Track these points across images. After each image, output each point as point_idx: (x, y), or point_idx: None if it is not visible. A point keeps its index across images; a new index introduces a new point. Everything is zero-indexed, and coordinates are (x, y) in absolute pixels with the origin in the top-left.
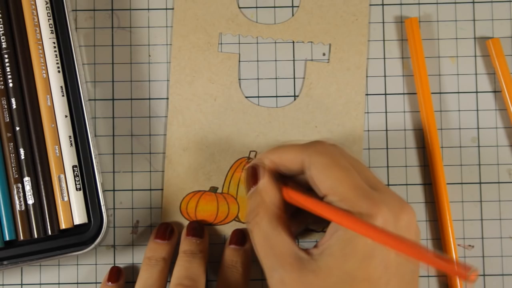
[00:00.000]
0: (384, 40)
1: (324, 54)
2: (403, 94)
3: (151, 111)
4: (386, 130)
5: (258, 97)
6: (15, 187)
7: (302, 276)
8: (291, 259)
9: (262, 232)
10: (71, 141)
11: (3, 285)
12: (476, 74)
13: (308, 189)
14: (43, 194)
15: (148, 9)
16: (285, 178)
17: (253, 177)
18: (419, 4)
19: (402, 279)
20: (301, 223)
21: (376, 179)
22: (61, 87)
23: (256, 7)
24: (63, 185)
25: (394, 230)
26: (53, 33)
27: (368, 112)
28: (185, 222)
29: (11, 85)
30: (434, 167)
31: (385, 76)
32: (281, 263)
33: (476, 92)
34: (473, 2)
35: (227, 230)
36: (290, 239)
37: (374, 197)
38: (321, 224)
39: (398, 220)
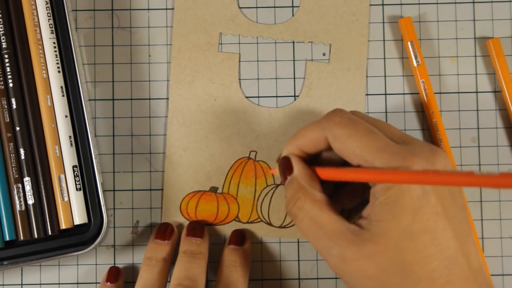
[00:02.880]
0: (384, 40)
1: (324, 54)
2: (403, 94)
3: (151, 111)
4: None
5: (258, 97)
6: (15, 187)
7: (361, 247)
8: (345, 235)
9: (307, 215)
10: (71, 141)
11: (3, 285)
12: (476, 74)
13: (341, 164)
14: (43, 194)
15: (148, 9)
16: (317, 158)
17: (287, 167)
18: (419, 4)
19: (455, 221)
20: (337, 204)
21: (402, 133)
22: (61, 87)
23: (256, 7)
24: (63, 185)
25: None
26: (53, 33)
27: (368, 112)
28: (185, 222)
29: (11, 85)
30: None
31: (385, 76)
32: (336, 241)
33: (476, 92)
34: (473, 2)
35: (227, 230)
36: (337, 216)
37: (405, 152)
38: (356, 200)
39: (434, 166)
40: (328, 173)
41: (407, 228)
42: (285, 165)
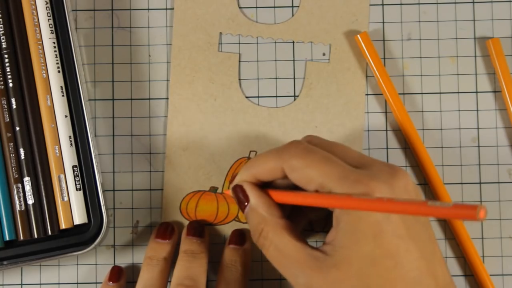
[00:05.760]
0: (384, 40)
1: (324, 54)
2: (403, 94)
3: (151, 111)
4: (386, 130)
5: (258, 97)
6: (15, 187)
7: (326, 274)
8: (309, 262)
9: (272, 245)
10: (71, 141)
11: (3, 285)
12: (476, 74)
13: (295, 187)
14: (43, 194)
15: (148, 9)
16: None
17: (243, 195)
18: (419, 4)
19: (419, 240)
20: (302, 218)
21: (360, 155)
22: (61, 87)
23: (256, 7)
24: (63, 185)
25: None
26: (53, 33)
27: (368, 112)
28: (185, 222)
29: (11, 85)
30: (426, 167)
31: None
32: (301, 269)
33: (476, 92)
34: (473, 2)
35: (227, 230)
36: (300, 243)
37: (363, 177)
38: (320, 211)
39: (393, 188)
40: (284, 197)
41: (369, 254)
42: (241, 193)
